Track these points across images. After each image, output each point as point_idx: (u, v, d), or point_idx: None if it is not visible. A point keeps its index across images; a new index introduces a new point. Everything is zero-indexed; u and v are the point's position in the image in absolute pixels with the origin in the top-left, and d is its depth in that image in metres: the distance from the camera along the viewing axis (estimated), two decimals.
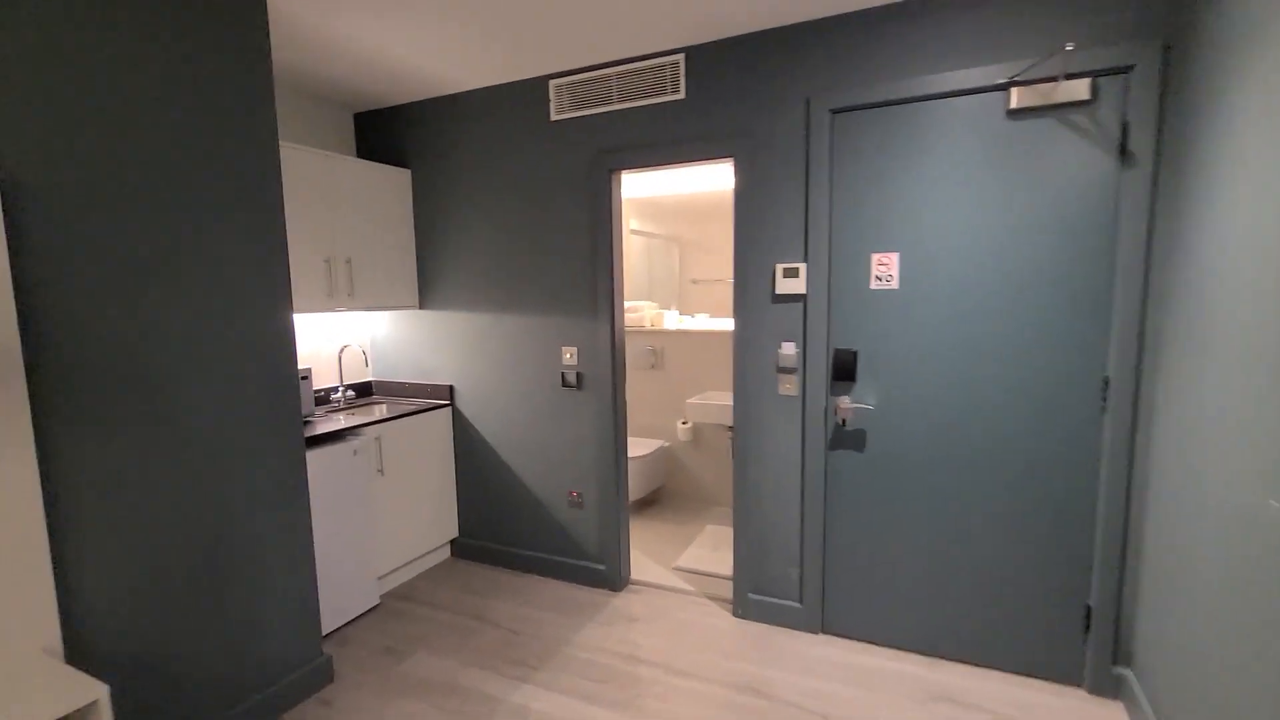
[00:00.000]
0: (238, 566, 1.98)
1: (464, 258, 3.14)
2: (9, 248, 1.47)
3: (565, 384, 2.94)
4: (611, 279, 2.81)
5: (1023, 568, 2.21)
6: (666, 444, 4.22)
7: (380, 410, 3.25)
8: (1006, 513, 2.21)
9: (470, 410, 3.23)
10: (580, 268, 2.86)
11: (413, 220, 3.25)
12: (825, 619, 2.55)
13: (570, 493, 3.02)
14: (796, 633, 2.56)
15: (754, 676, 2.28)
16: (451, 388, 3.27)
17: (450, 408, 3.27)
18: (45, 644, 1.52)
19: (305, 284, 2.70)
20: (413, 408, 3.13)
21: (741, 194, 2.50)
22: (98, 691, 1.37)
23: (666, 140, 2.61)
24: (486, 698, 2.18)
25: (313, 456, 2.51)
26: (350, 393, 3.28)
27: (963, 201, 2.17)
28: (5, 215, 1.47)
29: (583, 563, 3.02)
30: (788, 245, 2.44)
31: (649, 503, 4.19)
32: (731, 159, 2.53)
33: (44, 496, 1.53)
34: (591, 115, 2.75)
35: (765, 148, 2.44)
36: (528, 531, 3.16)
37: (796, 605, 2.57)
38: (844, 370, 2.39)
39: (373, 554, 2.80)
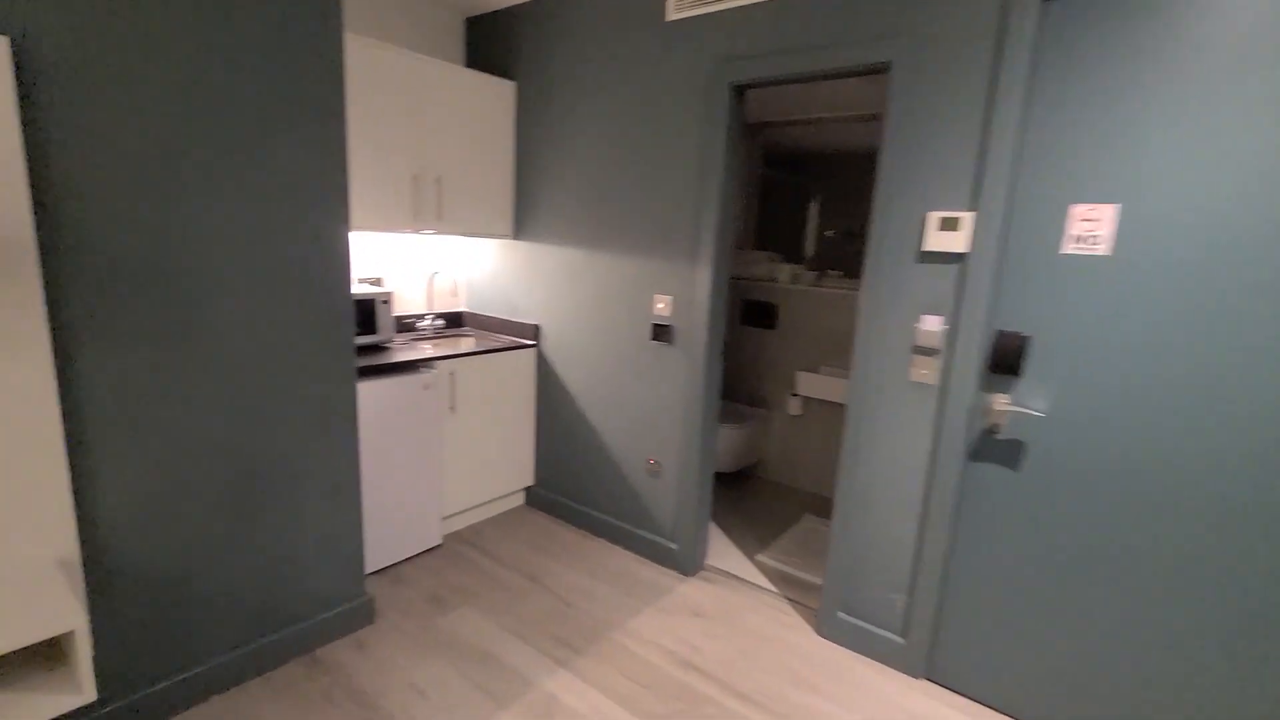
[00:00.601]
0: (275, 493, 1.88)
1: (563, 185, 2.82)
2: (21, 120, 1.33)
3: (656, 337, 2.57)
4: (720, 219, 2.35)
5: None
6: (765, 413, 3.75)
7: (467, 343, 3.09)
8: (1256, 623, 1.56)
9: (555, 354, 2.98)
10: (685, 204, 2.43)
11: (514, 140, 2.97)
12: (931, 663, 2.05)
13: (648, 459, 2.69)
14: (891, 671, 2.09)
15: (830, 719, 1.87)
16: (537, 328, 3.02)
17: (535, 349, 3.04)
18: (60, 554, 1.46)
19: (388, 200, 2.52)
20: (496, 344, 2.93)
21: (895, 115, 1.91)
22: (75, 622, 1.27)
23: (803, 45, 2.06)
24: (517, 675, 1.97)
25: (378, 386, 2.38)
26: (439, 322, 3.15)
27: (1243, 136, 1.46)
28: (19, 84, 1.32)
29: (655, 537, 2.72)
30: (949, 187, 1.84)
31: (740, 478, 3.78)
32: (887, 69, 1.93)
33: (60, 400, 1.45)
34: (713, 14, 2.24)
35: (934, 52, 1.82)
36: (602, 493, 2.89)
37: (897, 639, 2.09)
38: (1007, 360, 1.79)
39: (438, 493, 2.68)
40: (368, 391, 2.35)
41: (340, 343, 1.96)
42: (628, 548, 2.81)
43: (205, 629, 1.78)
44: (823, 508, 3.39)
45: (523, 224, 3.01)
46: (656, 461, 2.67)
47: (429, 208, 2.67)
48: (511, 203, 3.01)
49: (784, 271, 3.72)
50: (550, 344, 2.99)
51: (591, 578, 2.57)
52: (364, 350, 2.60)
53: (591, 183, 2.70)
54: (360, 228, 2.46)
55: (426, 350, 2.70)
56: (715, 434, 2.63)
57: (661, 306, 2.55)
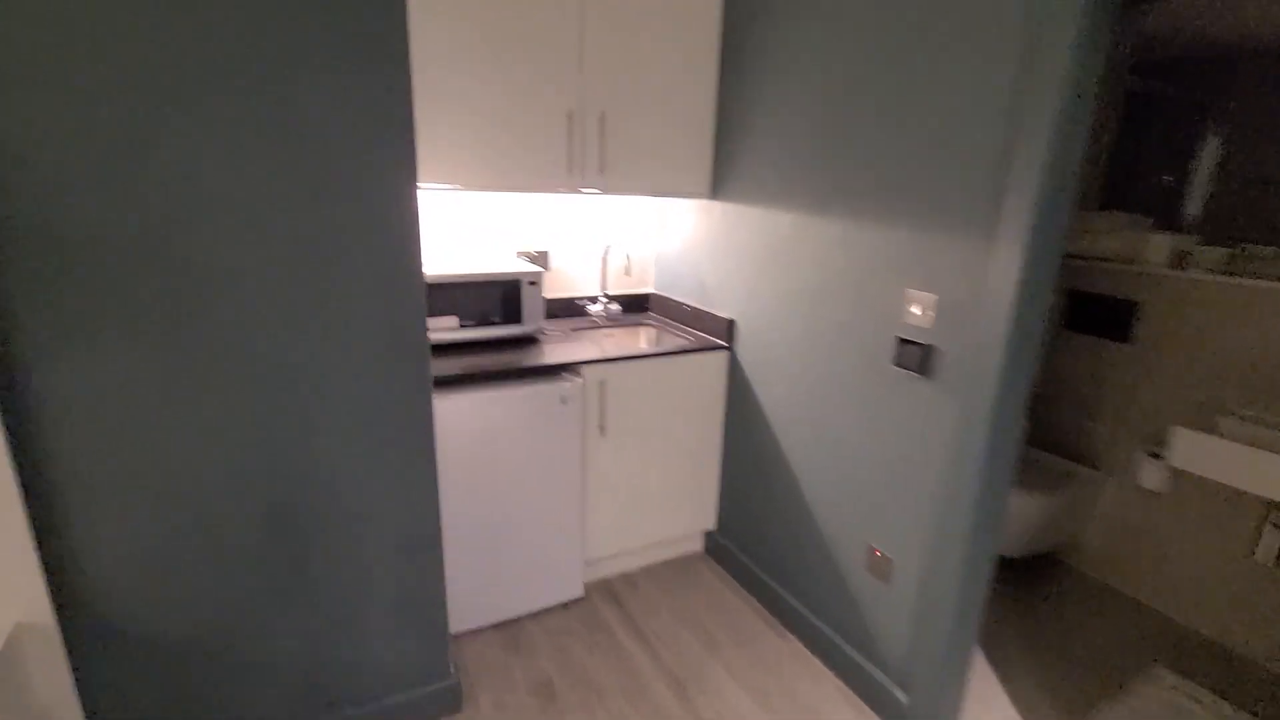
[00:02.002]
0: (324, 541, 1.41)
1: (780, 120, 1.88)
2: None
3: (902, 361, 1.55)
4: (1057, 160, 1.22)
5: None
6: (1091, 475, 2.36)
7: (640, 338, 2.40)
8: None
9: (752, 361, 2.11)
10: (981, 136, 1.33)
11: (716, 57, 2.10)
12: None
13: (872, 549, 1.70)
14: None
15: None
16: (732, 325, 2.17)
17: (727, 353, 2.21)
18: (26, 617, 1.14)
19: (532, 149, 1.89)
20: (670, 345, 2.17)
21: None
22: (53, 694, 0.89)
23: None
24: None
25: (502, 395, 1.81)
26: (614, 307, 2.50)
27: None
28: None
29: (872, 669, 1.74)
30: None
31: (1033, 568, 2.48)
32: None
33: (6, 424, 1.09)
34: None
35: None
36: (802, 573, 1.99)
37: None
38: None
39: (579, 534, 2.07)
40: (488, 402, 1.79)
41: (410, 344, 1.39)
42: (830, 665, 1.88)
43: (235, 708, 1.41)
44: (1187, 652, 1.99)
45: (722, 178, 2.15)
46: (884, 555, 1.67)
47: (589, 157, 1.98)
48: (709, 148, 2.17)
49: (1156, 247, 2.23)
50: (747, 347, 2.12)
51: (764, 709, 1.72)
52: (501, 345, 2.06)
53: (823, 113, 1.72)
54: (496, 187, 1.88)
55: (576, 349, 2.06)
56: (997, 524, 1.53)
57: (917, 312, 1.50)
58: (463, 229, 2.24)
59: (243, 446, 1.28)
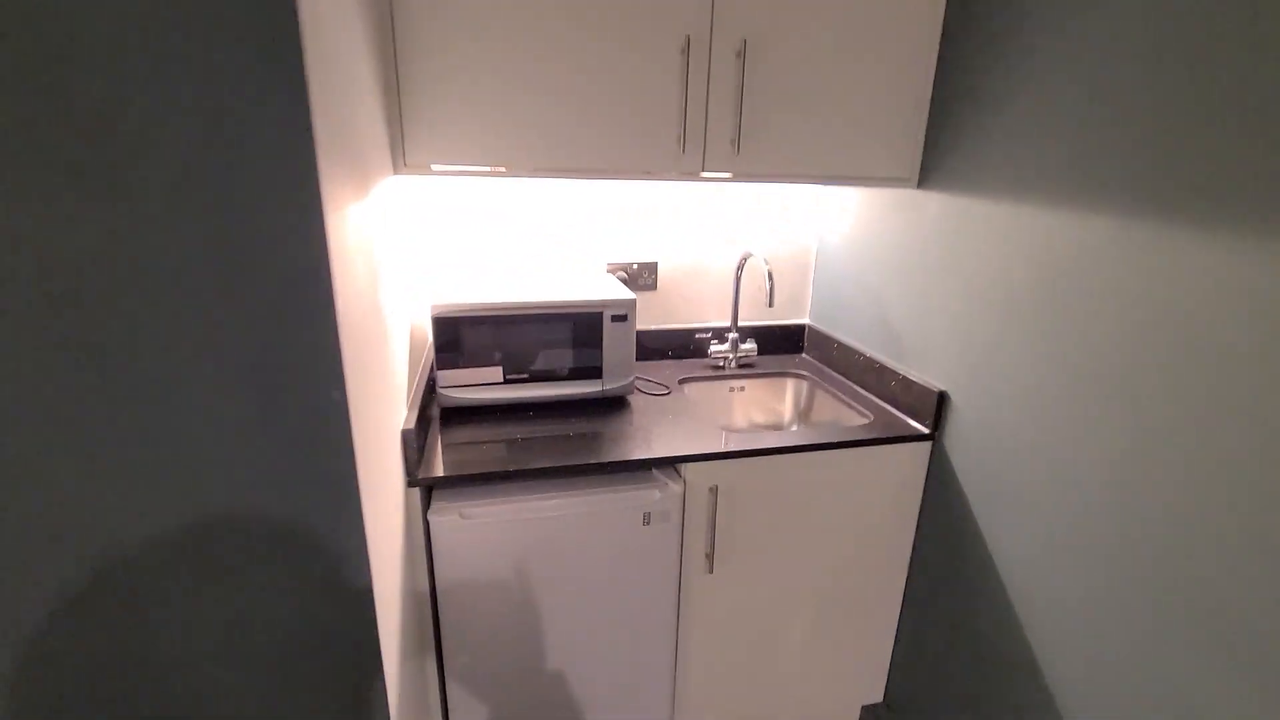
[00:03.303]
0: None
1: (1085, 57, 0.97)
2: None
3: None
4: None
5: None
6: None
7: (793, 402, 1.60)
8: None
9: (977, 468, 1.22)
10: None
11: None
12: None
13: None
14: None
15: None
16: (943, 400, 1.29)
17: (929, 445, 1.33)
18: None
19: (615, 107, 1.15)
20: (830, 433, 1.34)
21: None
22: None
23: None
24: None
25: (544, 508, 1.12)
26: (749, 346, 1.70)
27: None
28: None
29: None
30: None
31: None
32: None
33: None
34: None
35: None
36: None
37: None
38: None
39: (666, 703, 1.33)
40: (522, 519, 1.11)
41: (327, 435, 0.72)
42: None
43: None
44: None
45: (943, 156, 1.26)
46: None
47: (716, 124, 1.20)
48: (924, 105, 1.29)
49: None
50: (971, 443, 1.23)
51: None
52: (567, 410, 1.36)
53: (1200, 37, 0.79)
54: (556, 171, 1.17)
55: (678, 428, 1.30)
56: None
57: None
58: (526, 231, 1.56)
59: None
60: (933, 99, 1.28)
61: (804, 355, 1.80)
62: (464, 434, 1.24)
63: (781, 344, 1.80)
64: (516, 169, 1.14)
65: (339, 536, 0.73)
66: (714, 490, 1.22)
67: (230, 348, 0.63)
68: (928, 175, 1.31)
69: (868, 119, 1.27)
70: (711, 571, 1.27)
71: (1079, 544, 1.01)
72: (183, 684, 0.72)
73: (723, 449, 1.20)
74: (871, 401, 1.46)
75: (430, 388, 1.32)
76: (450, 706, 1.20)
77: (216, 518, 0.68)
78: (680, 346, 1.73)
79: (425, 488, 1.12)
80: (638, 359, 1.67)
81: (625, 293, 1.37)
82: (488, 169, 1.13)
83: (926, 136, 1.30)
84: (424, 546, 1.11)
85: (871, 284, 1.51)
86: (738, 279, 1.64)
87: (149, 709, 0.71)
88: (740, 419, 1.67)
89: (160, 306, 0.59)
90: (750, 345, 1.70)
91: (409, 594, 1.04)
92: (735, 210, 1.66)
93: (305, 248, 0.62)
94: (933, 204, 1.30)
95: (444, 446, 1.18)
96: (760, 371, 1.67)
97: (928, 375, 1.34)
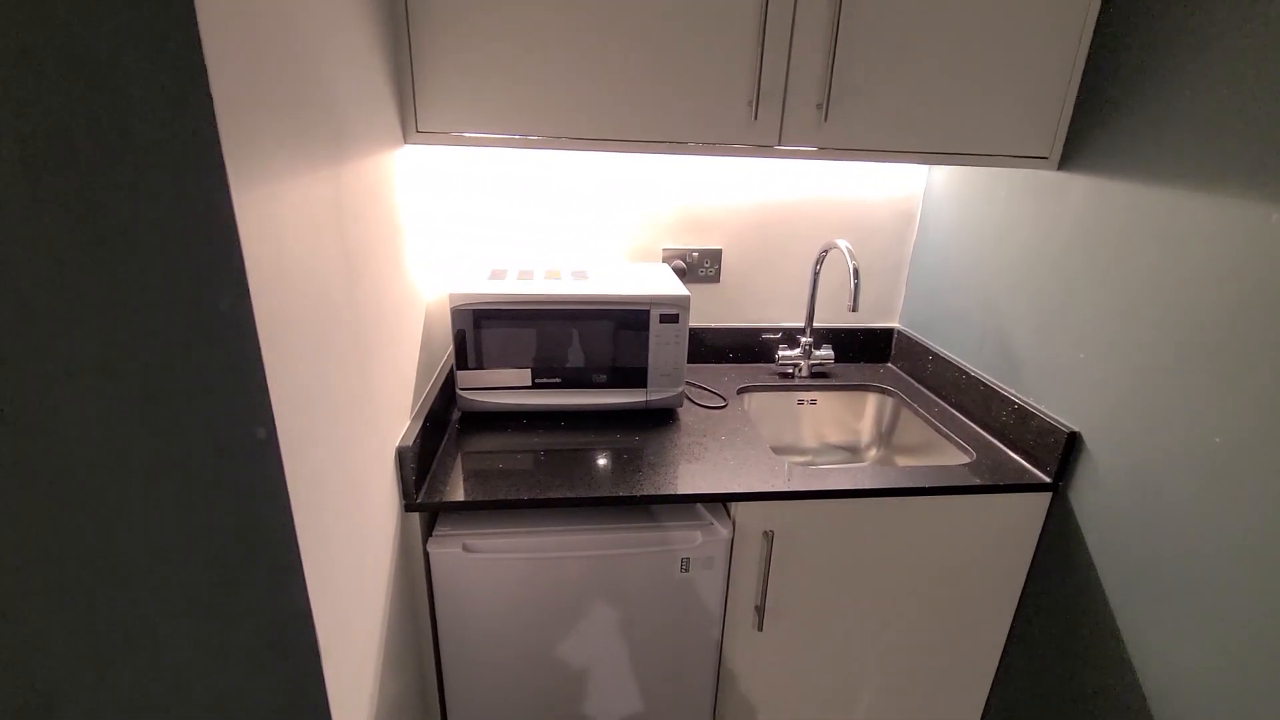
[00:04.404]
0: None
1: None
2: None
3: None
4: None
5: None
6: None
7: (872, 426, 1.37)
8: None
9: (1110, 536, 0.94)
10: None
11: None
12: None
13: None
14: None
15: None
16: (1073, 442, 1.01)
17: (1049, 494, 1.06)
18: None
19: (670, 62, 0.93)
20: (919, 477, 1.09)
21: None
22: None
23: None
24: None
25: (563, 544, 0.95)
26: (825, 352, 1.45)
27: None
28: None
29: None
30: None
31: None
32: None
33: None
34: None
35: None
36: None
37: None
38: None
39: None
40: (535, 558, 0.94)
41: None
42: None
43: None
44: None
45: (1093, 132, 0.97)
46: None
47: (796, 80, 0.95)
48: (1069, 65, 0.99)
49: None
50: (1104, 497, 0.96)
51: None
52: (604, 421, 1.17)
53: None
54: (595, 142, 0.96)
55: (732, 455, 1.09)
56: None
57: None
58: (570, 209, 1.36)
59: None
60: (1090, 55, 0.98)
61: (890, 365, 1.53)
62: (483, 443, 1.08)
63: (863, 351, 1.54)
64: (550, 138, 0.95)
65: (275, 601, 0.58)
66: (768, 535, 1.00)
67: (114, 374, 0.47)
68: (1073, 155, 1.02)
69: (999, 79, 0.99)
70: (761, 629, 1.06)
71: (1253, 644, 0.73)
72: None
73: (783, 488, 0.98)
74: (973, 433, 1.19)
75: (449, 389, 1.16)
76: None
77: (113, 568, 0.54)
78: (744, 349, 1.50)
79: (430, 512, 0.97)
80: (693, 360, 1.47)
81: (678, 287, 1.16)
82: (517, 137, 0.94)
83: (1076, 104, 1.01)
84: (424, 577, 0.96)
85: (985, 288, 1.23)
86: (815, 273, 1.39)
87: None
88: (809, 438, 1.44)
89: (28, 316, 0.44)
90: (826, 351, 1.45)
91: (395, 642, 0.89)
92: (818, 191, 1.40)
93: (200, 238, 0.45)
94: (1077, 191, 1.01)
95: (458, 459, 1.03)
96: (836, 383, 1.43)
97: (1053, 408, 1.06)
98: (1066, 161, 1.03)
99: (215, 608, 0.57)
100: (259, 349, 0.49)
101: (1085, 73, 0.99)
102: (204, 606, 0.57)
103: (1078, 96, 1.00)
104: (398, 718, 0.88)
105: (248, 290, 0.48)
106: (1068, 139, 1.03)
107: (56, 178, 0.41)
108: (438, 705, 1.07)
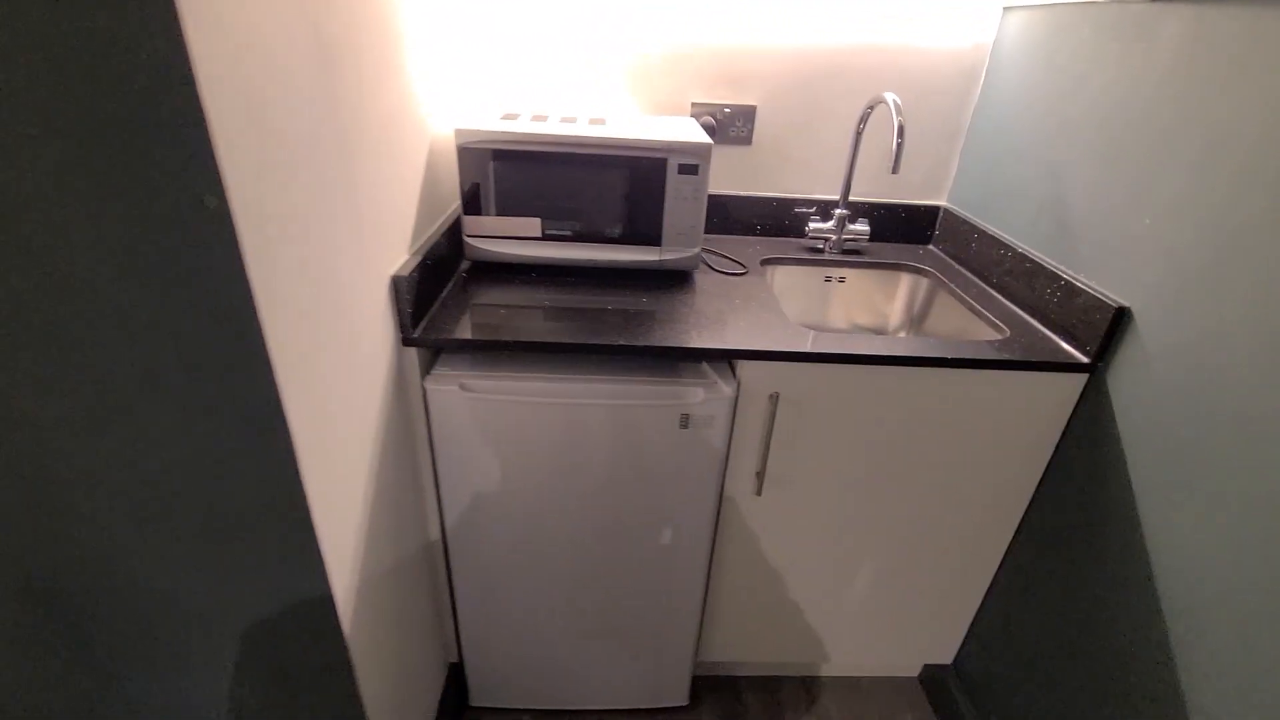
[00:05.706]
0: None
1: None
2: None
3: None
4: None
5: None
6: None
7: (906, 292, 1.30)
8: None
9: (1149, 423, 0.87)
10: None
11: None
12: None
13: None
14: None
15: None
16: (1121, 315, 0.92)
17: (1085, 375, 0.98)
18: None
19: None
20: (942, 346, 1.03)
21: None
22: None
23: None
24: None
25: (561, 391, 0.93)
26: (860, 227, 1.35)
27: None
28: None
29: None
30: None
31: None
32: None
33: None
34: None
35: None
36: None
37: None
38: None
39: (687, 635, 1.19)
40: (531, 401, 0.93)
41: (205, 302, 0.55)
42: None
43: None
44: None
45: None
46: None
47: None
48: None
49: None
50: (1149, 380, 0.88)
51: None
52: (617, 279, 1.13)
53: None
54: None
55: (746, 315, 1.04)
56: None
57: None
58: (599, 46, 1.25)
59: None
60: None
61: (931, 248, 1.42)
62: (489, 295, 1.05)
63: (904, 230, 1.43)
64: None
65: (250, 387, 0.57)
66: (774, 398, 0.97)
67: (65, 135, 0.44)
68: None
69: None
70: (760, 494, 1.05)
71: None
72: None
73: (791, 348, 0.93)
74: (1010, 312, 1.11)
75: (456, 235, 1.12)
76: (459, 618, 1.12)
77: (86, 348, 0.53)
78: (773, 220, 1.41)
79: (432, 350, 0.96)
80: (718, 231, 1.39)
81: (699, 135, 1.07)
82: None
83: None
84: (425, 421, 0.97)
85: (1049, 153, 1.09)
86: (858, 134, 1.26)
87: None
88: (835, 317, 1.37)
89: None
90: (861, 226, 1.35)
91: (389, 471, 0.91)
92: (870, 37, 1.25)
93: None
94: (1172, 25, 0.86)
95: (461, 306, 1.00)
96: (869, 260, 1.33)
97: (1103, 283, 0.96)
98: None
99: (189, 392, 0.57)
100: (199, 101, 0.45)
101: None
102: (179, 391, 0.56)
103: None
104: (396, 550, 0.91)
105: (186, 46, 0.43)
106: None
107: None
108: (441, 554, 1.11)
